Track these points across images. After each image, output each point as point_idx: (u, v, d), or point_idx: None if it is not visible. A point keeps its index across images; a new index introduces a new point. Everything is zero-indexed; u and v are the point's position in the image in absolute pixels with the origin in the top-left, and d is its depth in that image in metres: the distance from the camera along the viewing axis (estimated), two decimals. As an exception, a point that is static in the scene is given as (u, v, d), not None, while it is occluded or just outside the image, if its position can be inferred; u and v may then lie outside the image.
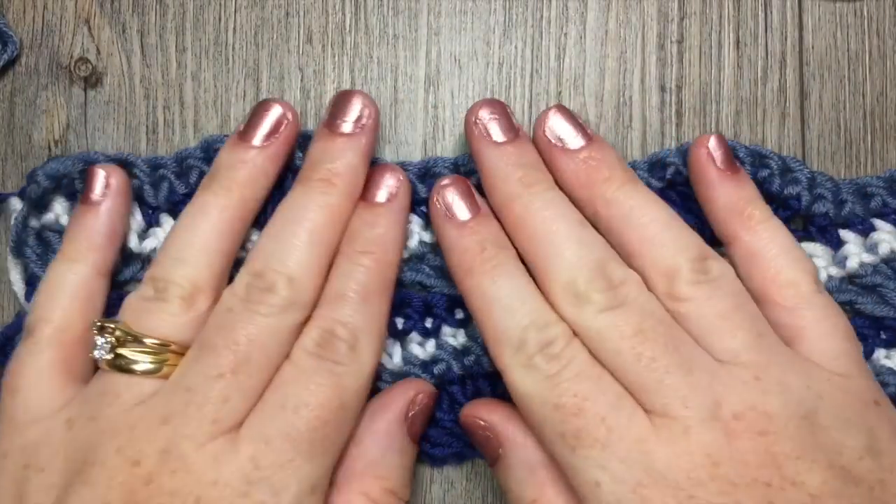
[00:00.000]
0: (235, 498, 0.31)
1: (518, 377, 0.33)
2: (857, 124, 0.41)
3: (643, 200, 0.35)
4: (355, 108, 0.36)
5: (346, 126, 0.36)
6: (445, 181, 0.36)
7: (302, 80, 0.40)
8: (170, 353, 0.33)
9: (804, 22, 0.41)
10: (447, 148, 0.40)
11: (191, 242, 0.35)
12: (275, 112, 0.36)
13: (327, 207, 0.35)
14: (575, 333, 0.33)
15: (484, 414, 0.35)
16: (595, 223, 0.35)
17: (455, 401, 0.38)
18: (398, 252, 0.37)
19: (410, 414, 0.36)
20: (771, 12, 0.41)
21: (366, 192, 0.36)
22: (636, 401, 0.32)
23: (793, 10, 0.41)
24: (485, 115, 0.36)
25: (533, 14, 0.41)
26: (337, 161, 0.35)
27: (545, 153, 0.36)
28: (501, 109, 0.36)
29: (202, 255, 0.34)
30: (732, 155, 0.36)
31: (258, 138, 0.36)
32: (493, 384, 0.38)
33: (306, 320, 0.34)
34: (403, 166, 0.39)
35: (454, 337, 0.38)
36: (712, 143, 0.36)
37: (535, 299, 0.34)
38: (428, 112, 0.40)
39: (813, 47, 0.41)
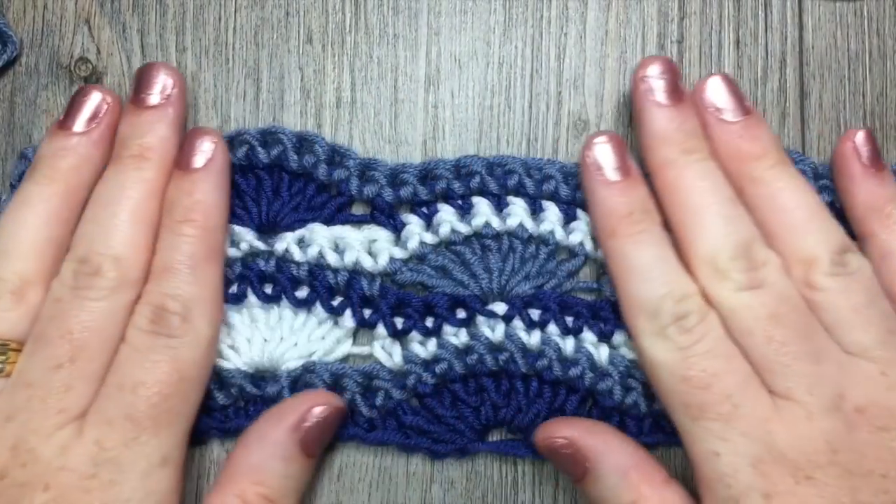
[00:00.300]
0: (83, 480, 0.32)
1: (649, 344, 0.34)
2: (857, 124, 0.41)
3: (791, 184, 0.35)
4: (159, 79, 0.36)
5: (152, 98, 0.36)
6: (602, 137, 0.36)
7: (302, 80, 0.40)
8: (10, 351, 0.33)
9: (804, 22, 0.41)
10: (447, 148, 0.40)
11: (16, 235, 0.34)
12: (94, 98, 0.36)
13: (143, 183, 0.35)
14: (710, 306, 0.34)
15: (564, 432, 0.35)
16: (740, 197, 0.35)
17: (458, 398, 0.38)
18: (222, 216, 0.36)
19: (305, 425, 0.35)
20: (771, 12, 0.41)
21: (181, 159, 0.36)
22: (761, 380, 0.33)
23: (793, 9, 0.41)
24: (653, 72, 0.36)
25: (533, 14, 0.41)
26: (147, 135, 0.35)
27: (701, 119, 0.36)
28: (670, 69, 0.36)
29: (29, 248, 0.34)
30: (878, 152, 0.37)
31: (79, 124, 0.36)
32: (496, 382, 0.38)
33: (139, 298, 0.34)
34: (402, 168, 0.39)
35: (456, 336, 0.38)
36: (860, 137, 0.37)
37: (674, 270, 0.34)
38: (428, 112, 0.40)
39: (813, 47, 0.41)
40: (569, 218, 0.39)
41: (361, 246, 0.38)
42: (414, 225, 0.39)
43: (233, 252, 0.38)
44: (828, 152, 0.40)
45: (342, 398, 0.37)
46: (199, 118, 0.40)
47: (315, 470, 0.38)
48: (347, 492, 0.39)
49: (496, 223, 0.38)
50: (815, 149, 0.40)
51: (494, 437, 0.39)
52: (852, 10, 0.41)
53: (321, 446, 0.36)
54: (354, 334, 0.39)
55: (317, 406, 0.36)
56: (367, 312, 0.38)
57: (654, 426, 0.38)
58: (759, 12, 0.41)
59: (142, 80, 0.36)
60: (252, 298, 0.38)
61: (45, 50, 0.40)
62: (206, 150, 0.36)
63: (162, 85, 0.36)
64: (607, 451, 0.35)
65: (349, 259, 0.38)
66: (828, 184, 0.39)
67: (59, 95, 0.40)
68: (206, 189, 0.35)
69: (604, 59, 0.41)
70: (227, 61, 0.40)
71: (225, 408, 0.38)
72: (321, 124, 0.40)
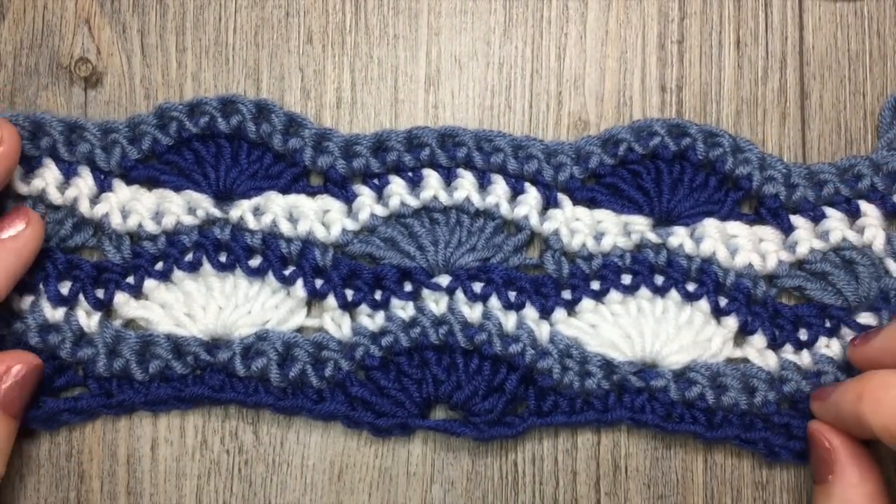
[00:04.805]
0: None
1: None
2: (857, 124, 0.41)
3: None
4: None
5: None
6: None
7: (302, 80, 0.40)
8: None
9: (804, 22, 0.41)
10: (447, 148, 0.40)
11: None
12: None
13: None
14: None
15: (832, 439, 0.36)
16: None
17: (402, 371, 0.38)
18: (4, 286, 0.36)
19: (4, 386, 0.35)
20: (771, 12, 0.41)
21: None
22: None
23: (793, 10, 0.41)
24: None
25: (533, 14, 0.41)
26: None
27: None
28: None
29: None
30: None
31: None
32: (438, 356, 0.38)
33: None
34: (356, 140, 0.39)
35: (403, 309, 0.38)
36: None
37: None
38: (428, 112, 0.40)
39: (813, 47, 0.41)
40: (516, 192, 0.39)
41: (315, 216, 0.39)
42: (365, 196, 0.39)
43: (189, 220, 0.38)
44: (828, 152, 0.40)
45: (39, 357, 0.37)
46: (199, 118, 0.40)
47: (315, 470, 0.39)
48: (347, 492, 0.39)
49: (444, 197, 0.39)
50: (816, 149, 0.40)
51: (440, 415, 0.39)
52: (852, 10, 0.41)
53: (22, 405, 0.36)
54: (309, 308, 0.39)
55: (14, 365, 0.36)
56: (318, 283, 0.39)
57: (585, 405, 0.38)
58: (760, 12, 0.41)
59: None
60: (207, 267, 0.38)
61: (45, 50, 0.40)
62: (12, 229, 0.37)
63: None
64: (852, 484, 0.36)
65: (302, 228, 0.38)
66: (774, 175, 0.39)
67: (59, 95, 0.40)
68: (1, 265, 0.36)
69: (604, 59, 0.41)
70: (227, 61, 0.40)
71: (183, 377, 0.38)
72: (321, 124, 0.40)
